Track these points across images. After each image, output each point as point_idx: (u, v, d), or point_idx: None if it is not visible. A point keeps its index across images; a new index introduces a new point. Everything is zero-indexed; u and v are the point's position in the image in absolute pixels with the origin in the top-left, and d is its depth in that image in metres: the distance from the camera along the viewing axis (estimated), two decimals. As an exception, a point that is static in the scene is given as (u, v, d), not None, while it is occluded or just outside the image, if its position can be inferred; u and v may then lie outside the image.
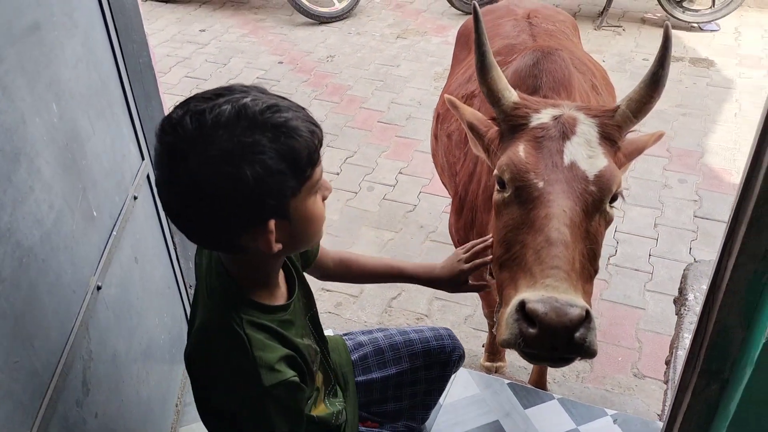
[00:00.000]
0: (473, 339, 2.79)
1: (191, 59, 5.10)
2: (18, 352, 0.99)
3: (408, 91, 4.63)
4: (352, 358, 1.58)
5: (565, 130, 1.32)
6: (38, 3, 1.14)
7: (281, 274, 1.20)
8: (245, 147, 0.91)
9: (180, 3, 6.11)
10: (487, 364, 2.55)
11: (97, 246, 1.33)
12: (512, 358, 2.61)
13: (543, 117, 1.35)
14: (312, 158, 0.99)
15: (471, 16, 2.75)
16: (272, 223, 0.98)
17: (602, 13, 5.45)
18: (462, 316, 2.90)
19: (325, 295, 3.02)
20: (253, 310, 1.08)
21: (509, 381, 2.13)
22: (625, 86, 4.54)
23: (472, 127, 1.52)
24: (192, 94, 1.00)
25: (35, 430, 1.01)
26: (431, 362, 1.62)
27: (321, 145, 1.02)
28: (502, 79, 1.40)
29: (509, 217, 1.32)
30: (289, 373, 1.06)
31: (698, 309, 2.11)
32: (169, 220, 1.85)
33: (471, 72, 2.31)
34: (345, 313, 2.92)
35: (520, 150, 1.33)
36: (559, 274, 1.17)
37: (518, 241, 1.28)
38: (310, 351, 1.20)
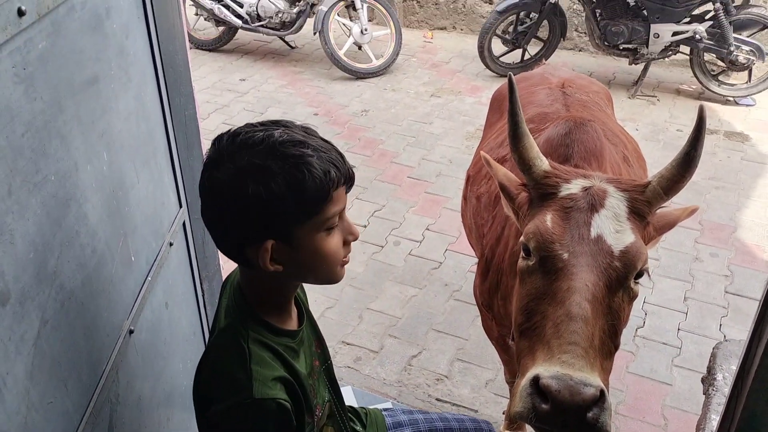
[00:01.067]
0: (493, 405, 2.74)
1: (230, 107, 5.26)
2: (52, 392, 1.02)
3: (439, 149, 4.69)
4: None
5: (594, 203, 1.33)
6: (98, 58, 1.21)
7: (294, 311, 1.26)
8: (255, 168, 1.04)
9: (223, 52, 6.33)
10: None
11: (132, 290, 1.37)
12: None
13: (573, 187, 1.36)
14: (320, 195, 1.07)
15: (506, 83, 2.82)
16: (269, 243, 1.08)
17: (637, 82, 5.51)
18: (483, 380, 2.86)
19: (345, 348, 3.01)
20: (261, 328, 1.14)
21: (529, 451, 2.08)
22: (657, 156, 4.56)
23: (503, 188, 1.53)
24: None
25: (60, 473, 1.03)
26: None
27: (336, 187, 1.09)
28: (533, 148, 1.42)
29: (532, 285, 1.33)
30: (282, 395, 1.10)
31: (726, 390, 2.07)
32: (200, 268, 1.89)
33: (503, 137, 2.34)
34: (364, 368, 2.91)
35: (548, 219, 1.33)
36: (577, 350, 1.17)
37: (539, 311, 1.28)
38: (313, 391, 1.23)
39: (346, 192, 1.16)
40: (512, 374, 2.36)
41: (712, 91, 5.31)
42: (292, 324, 1.24)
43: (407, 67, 6.12)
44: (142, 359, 1.41)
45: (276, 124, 1.12)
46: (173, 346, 1.58)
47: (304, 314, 1.29)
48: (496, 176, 1.55)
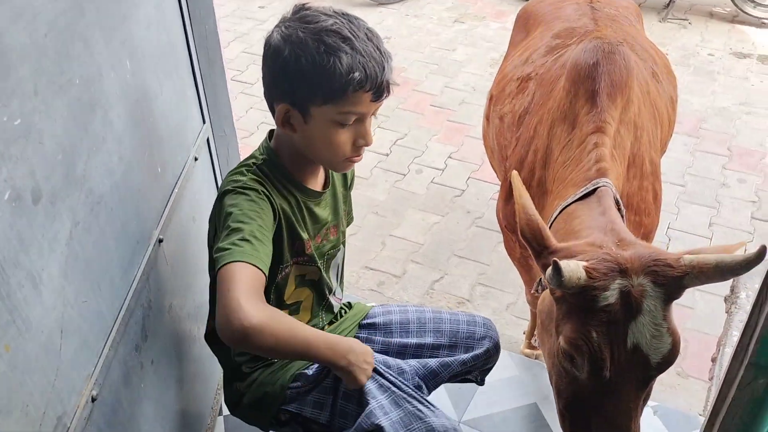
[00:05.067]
0: (514, 326, 2.78)
1: (249, 35, 5.18)
2: (86, 293, 1.05)
3: (462, 76, 4.60)
4: (378, 320, 1.60)
5: (631, 310, 1.24)
6: (117, -37, 1.20)
7: (320, 181, 1.38)
8: (298, 39, 1.17)
9: (241, -20, 6.19)
10: (527, 351, 2.54)
11: (160, 201, 1.39)
12: (553, 346, 2.60)
13: (611, 296, 1.25)
14: (338, 88, 1.16)
15: (530, 1, 2.73)
16: (284, 107, 1.21)
17: (668, 4, 5.29)
18: (504, 303, 2.89)
19: (368, 273, 3.05)
20: (274, 166, 1.29)
21: (550, 366, 2.12)
22: (687, 81, 4.42)
23: (524, 237, 1.39)
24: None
25: (99, 368, 1.08)
26: (456, 343, 1.59)
27: (356, 89, 1.17)
28: (572, 273, 1.25)
29: (575, 387, 1.32)
30: (270, 195, 1.24)
31: (749, 307, 2.07)
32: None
33: (528, 54, 2.29)
34: (387, 292, 2.95)
35: (587, 337, 1.26)
36: None
37: (585, 413, 1.31)
38: (308, 247, 1.34)
39: (374, 101, 1.23)
40: (534, 295, 2.38)
41: (747, 14, 5.10)
42: (312, 185, 1.35)
43: (432, -9, 5.95)
44: (172, 269, 1.44)
45: (344, 15, 1.22)
46: (201, 260, 1.61)
47: (329, 186, 1.40)
48: (519, 219, 1.41)
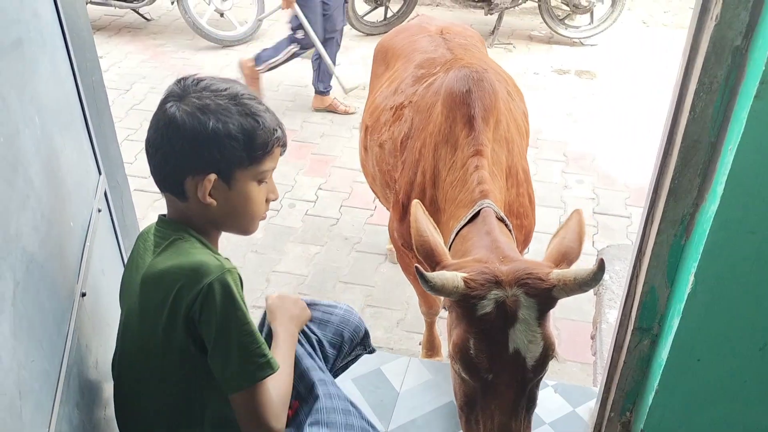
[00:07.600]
0: (407, 341, 2.92)
1: (92, 86, 4.97)
2: (33, 352, 1.02)
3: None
4: None
5: (508, 318, 1.38)
6: (18, 20, 1.18)
7: None
8: (218, 107, 1.19)
9: (73, 29, 5.92)
10: (426, 360, 2.68)
11: (76, 255, 1.35)
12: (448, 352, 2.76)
13: (488, 305, 1.39)
14: (265, 145, 1.23)
15: (386, 35, 2.93)
16: (213, 176, 1.20)
17: (493, 31, 5.85)
18: (394, 321, 3.02)
19: (258, 312, 3.02)
20: (203, 244, 1.26)
21: (457, 366, 2.27)
22: (521, 98, 4.90)
23: (421, 256, 1.55)
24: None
25: (52, 429, 1.04)
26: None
27: (276, 144, 1.26)
28: (448, 281, 1.40)
29: (467, 387, 1.46)
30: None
31: (615, 287, 2.37)
32: (122, 236, 1.86)
33: (396, 85, 2.46)
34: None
35: (471, 344, 1.40)
36: None
37: (475, 410, 1.45)
38: None
39: (282, 154, 1.32)
40: (428, 305, 2.53)
41: (560, 34, 5.78)
42: None
43: (274, 31, 6.06)
44: (92, 323, 1.41)
45: (235, 82, 1.27)
46: (113, 313, 1.57)
47: None
48: (414, 242, 1.57)
